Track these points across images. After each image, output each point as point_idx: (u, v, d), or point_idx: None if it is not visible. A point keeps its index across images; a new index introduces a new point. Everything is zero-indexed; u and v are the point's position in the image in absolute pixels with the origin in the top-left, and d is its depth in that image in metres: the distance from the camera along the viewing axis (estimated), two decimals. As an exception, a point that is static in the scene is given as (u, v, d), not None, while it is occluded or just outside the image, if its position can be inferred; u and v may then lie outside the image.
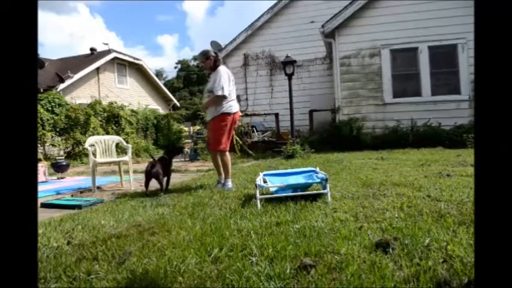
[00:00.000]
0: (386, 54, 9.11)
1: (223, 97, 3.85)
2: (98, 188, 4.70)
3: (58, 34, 77.45)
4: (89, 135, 10.32)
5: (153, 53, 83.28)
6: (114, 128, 12.49)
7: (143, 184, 4.10)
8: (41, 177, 5.80)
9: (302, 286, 1.40)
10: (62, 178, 6.35)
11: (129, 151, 4.85)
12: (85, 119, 11.05)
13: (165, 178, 4.07)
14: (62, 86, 13.35)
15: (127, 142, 7.83)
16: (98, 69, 15.75)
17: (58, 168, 6.62)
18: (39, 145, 10.00)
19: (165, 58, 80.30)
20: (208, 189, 3.90)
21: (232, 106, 3.98)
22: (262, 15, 12.89)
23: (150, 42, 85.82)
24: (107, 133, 11.75)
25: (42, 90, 12.15)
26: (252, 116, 11.66)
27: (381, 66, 9.12)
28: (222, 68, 3.98)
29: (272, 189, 3.25)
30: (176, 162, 7.00)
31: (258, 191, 2.87)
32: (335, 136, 8.93)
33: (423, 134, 8.34)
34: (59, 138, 10.60)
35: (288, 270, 1.51)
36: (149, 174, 3.91)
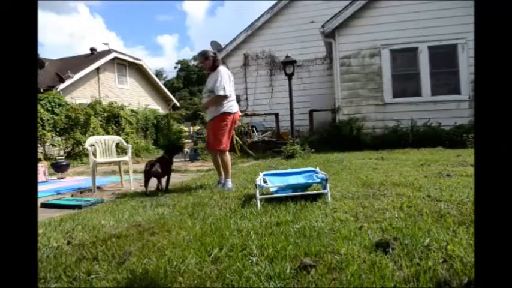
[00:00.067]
0: (386, 54, 9.11)
1: (225, 97, 3.87)
2: (98, 188, 4.70)
3: (58, 34, 77.48)
4: (89, 135, 10.32)
5: (153, 53, 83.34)
6: (114, 128, 12.49)
7: (143, 184, 4.10)
8: (41, 177, 5.80)
9: (302, 286, 1.40)
10: (62, 178, 6.35)
11: (129, 151, 4.85)
12: (85, 119, 11.05)
13: (165, 177, 4.08)
14: (62, 86, 13.35)
15: (127, 142, 7.84)
16: (98, 69, 15.75)
17: (58, 168, 6.62)
18: (39, 145, 10.00)
19: (165, 58, 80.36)
20: (208, 189, 3.90)
21: (233, 106, 4.01)
22: (262, 15, 12.89)
23: (150, 42, 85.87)
24: (107, 133, 11.75)
25: (42, 90, 12.15)
26: (252, 116, 11.66)
27: (381, 66, 9.12)
28: (222, 68, 4.00)
29: (272, 189, 3.25)
30: (176, 162, 6.99)
31: (258, 191, 2.87)
32: (335, 136, 8.93)
33: (423, 134, 8.34)
34: (59, 138, 10.60)
35: (288, 270, 1.51)
36: (149, 173, 3.92)
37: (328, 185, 2.93)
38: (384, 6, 9.11)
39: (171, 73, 47.64)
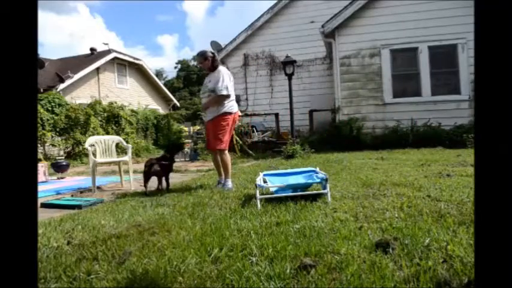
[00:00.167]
0: (386, 54, 9.11)
1: (227, 96, 3.91)
2: (98, 188, 4.70)
3: (58, 34, 77.48)
4: (89, 135, 10.32)
5: (153, 53, 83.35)
6: (114, 128, 12.49)
7: (143, 184, 4.10)
8: (41, 177, 5.80)
9: (302, 286, 1.40)
10: (62, 178, 6.35)
11: (129, 151, 4.85)
12: (85, 119, 11.05)
13: (164, 177, 4.09)
14: (62, 86, 13.35)
15: (127, 142, 7.84)
16: (98, 69, 15.75)
17: (58, 168, 6.62)
18: (39, 145, 10.00)
19: (165, 58, 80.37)
20: (208, 189, 3.90)
21: (233, 106, 4.05)
22: (262, 15, 12.89)
23: (150, 42, 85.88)
24: (107, 133, 11.75)
25: (42, 90, 12.15)
26: (252, 116, 11.66)
27: (381, 66, 9.12)
28: (222, 68, 4.02)
29: (272, 189, 3.25)
30: (176, 162, 7.00)
31: (258, 191, 2.87)
32: (335, 136, 8.93)
33: (423, 134, 8.34)
34: (59, 138, 10.60)
35: (288, 270, 1.51)
36: (148, 173, 3.93)
37: (328, 185, 2.93)
38: (384, 6, 9.11)
39: (171, 73, 47.70)
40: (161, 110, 18.51)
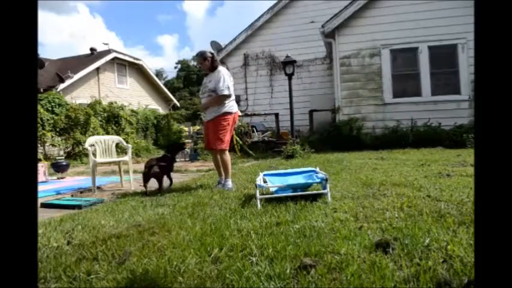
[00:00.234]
0: (386, 54, 9.11)
1: (228, 96, 3.93)
2: (98, 188, 4.70)
3: (58, 34, 77.47)
4: (89, 135, 10.33)
5: (153, 53, 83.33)
6: (114, 128, 12.50)
7: (143, 184, 4.10)
8: (41, 177, 5.80)
9: (302, 286, 1.40)
10: (62, 178, 6.35)
11: (129, 151, 4.85)
12: (85, 119, 11.05)
13: (165, 177, 4.10)
14: (62, 86, 13.34)
15: (127, 142, 7.84)
16: (98, 69, 15.75)
17: (58, 168, 6.62)
18: (39, 145, 10.00)
19: (165, 58, 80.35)
20: (208, 189, 3.90)
21: (233, 106, 4.07)
22: (262, 15, 12.89)
23: (150, 42, 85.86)
24: (107, 133, 11.76)
25: (42, 90, 12.15)
26: (252, 116, 11.66)
27: (381, 66, 9.12)
28: (222, 69, 4.03)
29: (272, 189, 3.25)
30: (176, 162, 7.01)
31: (258, 191, 2.87)
32: (335, 136, 8.93)
33: (423, 134, 8.34)
34: (59, 138, 10.60)
35: (288, 270, 1.51)
36: (147, 175, 3.95)
37: (328, 185, 2.93)
38: (384, 6, 9.11)
39: (171, 73, 47.72)
40: (161, 110, 18.51)
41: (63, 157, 9.50)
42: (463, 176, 3.79)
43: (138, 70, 18.66)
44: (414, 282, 1.36)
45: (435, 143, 7.93)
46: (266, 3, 37.68)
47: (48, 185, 5.37)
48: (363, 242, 1.79)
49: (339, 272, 1.48)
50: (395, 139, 8.42)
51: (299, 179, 3.43)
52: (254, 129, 10.65)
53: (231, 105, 4.01)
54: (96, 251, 1.92)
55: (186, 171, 6.47)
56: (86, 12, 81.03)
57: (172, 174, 4.33)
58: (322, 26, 9.33)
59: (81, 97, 14.30)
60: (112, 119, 12.59)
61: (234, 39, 13.13)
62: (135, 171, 5.48)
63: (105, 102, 13.15)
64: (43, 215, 3.07)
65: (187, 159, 9.14)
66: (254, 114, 11.69)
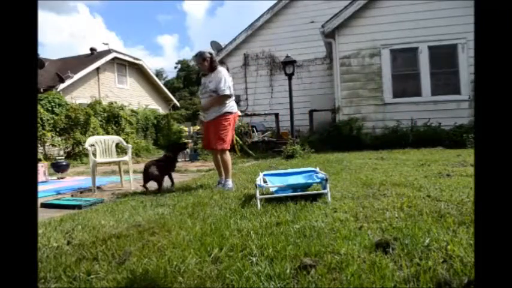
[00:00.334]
0: (386, 54, 9.11)
1: (229, 96, 3.96)
2: (98, 188, 4.70)
3: (58, 34, 77.42)
4: (89, 135, 10.33)
5: (153, 53, 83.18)
6: (114, 128, 12.50)
7: (143, 184, 4.11)
8: (41, 177, 5.80)
9: (302, 286, 1.40)
10: (62, 178, 6.35)
11: (129, 151, 4.85)
12: (85, 119, 11.06)
13: (166, 177, 4.11)
14: (62, 86, 13.35)
15: (127, 142, 7.84)
16: (98, 69, 15.75)
17: (58, 168, 6.62)
18: (39, 145, 10.00)
19: (165, 58, 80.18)
20: (208, 189, 3.90)
21: (233, 106, 4.09)
22: (262, 15, 12.89)
23: (150, 42, 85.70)
24: (107, 133, 11.76)
25: (42, 90, 12.15)
26: (252, 116, 11.66)
27: (381, 66, 9.12)
28: (222, 69, 4.03)
29: (272, 189, 3.25)
30: (178, 162, 7.01)
31: (258, 191, 2.87)
32: (335, 136, 8.93)
33: (423, 134, 8.34)
34: (59, 138, 10.60)
35: (288, 270, 1.51)
36: (147, 177, 3.98)
37: (328, 185, 2.93)
38: (384, 6, 9.11)
39: (171, 73, 47.68)
40: (161, 110, 18.51)
41: (63, 157, 9.51)
42: (463, 176, 3.79)
43: (138, 70, 18.66)
44: (414, 282, 1.36)
45: (435, 143, 7.93)
46: (266, 3, 37.71)
47: (48, 185, 5.37)
48: (363, 242, 1.79)
49: (339, 272, 1.48)
50: (395, 139, 8.42)
51: (299, 179, 3.43)
52: (254, 129, 10.65)
53: (231, 105, 4.03)
54: (96, 251, 1.92)
55: (186, 171, 6.47)
56: (86, 12, 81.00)
57: (173, 174, 4.33)
58: (322, 26, 9.33)
59: (81, 97, 14.30)
60: (112, 119, 12.59)
61: (234, 39, 13.13)
62: (135, 171, 5.48)
63: (105, 102, 13.16)
64: (43, 215, 3.07)
65: (187, 159, 9.14)
66: (254, 114, 11.69)
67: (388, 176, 4.09)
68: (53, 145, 10.37)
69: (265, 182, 3.40)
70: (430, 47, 8.87)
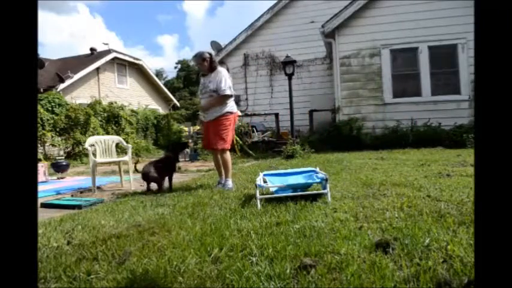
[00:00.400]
0: (386, 54, 9.11)
1: (230, 96, 3.98)
2: (98, 188, 4.70)
3: (58, 34, 77.42)
4: (89, 135, 10.33)
5: (153, 53, 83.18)
6: (114, 128, 12.50)
7: (143, 184, 4.12)
8: (41, 177, 5.80)
9: (302, 286, 1.40)
10: (62, 178, 6.35)
11: (129, 151, 4.85)
12: (85, 119, 11.06)
13: (167, 177, 4.13)
14: (62, 86, 13.35)
15: (127, 142, 7.84)
16: (98, 69, 15.75)
17: (58, 168, 6.62)
18: (39, 145, 9.99)
19: (165, 58, 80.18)
20: (208, 189, 3.90)
21: (234, 106, 4.11)
22: (262, 15, 12.89)
23: (150, 42, 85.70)
24: (107, 133, 11.76)
25: (42, 90, 12.15)
26: (252, 116, 11.66)
27: (381, 66, 9.12)
28: (222, 69, 4.04)
29: (272, 189, 3.25)
30: (179, 162, 7.01)
31: (258, 191, 2.87)
32: (335, 136, 8.93)
33: (423, 134, 8.34)
34: (59, 138, 10.60)
35: (288, 270, 1.51)
36: (147, 181, 3.99)
37: (328, 185, 2.93)
38: (384, 6, 9.11)
39: (171, 73, 47.65)
40: (161, 110, 18.51)
41: (63, 157, 9.52)
42: (463, 176, 3.79)
43: (138, 70, 18.66)
44: (414, 282, 1.36)
45: (435, 143, 7.93)
46: (266, 3, 37.71)
47: (48, 185, 5.37)
48: (363, 242, 1.79)
49: (339, 272, 1.48)
50: (395, 139, 8.42)
51: (299, 179, 3.43)
52: (254, 129, 10.65)
53: (232, 105, 4.06)
54: (96, 251, 1.92)
55: (186, 171, 6.47)
56: (86, 12, 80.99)
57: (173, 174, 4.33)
58: (322, 26, 9.33)
59: (81, 97, 14.30)
60: (112, 119, 12.59)
61: (234, 39, 13.13)
62: (135, 171, 5.48)
63: (105, 102, 13.16)
64: (43, 215, 3.07)
65: (187, 159, 9.14)
66: (254, 114, 11.69)
67: (388, 176, 4.09)
68: (53, 145, 10.37)
69: (265, 182, 3.40)
70: (430, 47, 8.87)
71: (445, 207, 2.43)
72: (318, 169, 3.56)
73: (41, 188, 4.95)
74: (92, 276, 1.59)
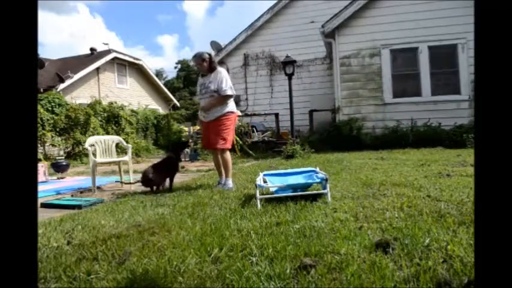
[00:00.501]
0: (386, 54, 9.11)
1: (231, 96, 4.01)
2: (98, 188, 4.70)
3: (58, 34, 77.41)
4: (89, 135, 10.33)
5: (153, 53, 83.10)
6: (114, 128, 12.50)
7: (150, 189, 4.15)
8: (41, 177, 5.80)
9: (302, 286, 1.40)
10: (62, 178, 6.35)
11: (129, 151, 4.85)
12: (85, 119, 11.05)
13: (169, 178, 4.16)
14: (62, 86, 13.35)
15: (127, 142, 7.84)
16: (98, 69, 15.75)
17: (58, 168, 6.62)
18: (39, 145, 9.99)
19: (165, 58, 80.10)
20: (208, 189, 3.90)
21: (234, 106, 4.14)
22: (262, 15, 12.89)
23: (150, 42, 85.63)
24: (107, 133, 11.76)
25: (42, 90, 12.15)
26: (252, 116, 11.66)
27: (381, 66, 9.12)
28: (222, 69, 4.04)
29: (272, 189, 3.25)
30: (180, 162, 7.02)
31: (258, 191, 2.87)
32: (335, 136, 8.93)
33: (423, 134, 8.34)
34: (59, 138, 10.60)
35: (288, 270, 1.51)
36: (148, 184, 4.01)
37: (328, 185, 2.93)
38: (384, 6, 9.11)
39: (171, 73, 47.62)
40: (161, 110, 18.51)
41: (63, 157, 9.53)
42: (463, 176, 3.79)
43: (138, 70, 18.66)
44: (414, 282, 1.36)
45: (435, 143, 7.93)
46: (266, 3, 37.72)
47: (48, 185, 5.37)
48: (363, 242, 1.79)
49: (339, 272, 1.48)
50: (395, 139, 8.42)
51: (299, 179, 3.43)
52: (254, 129, 10.65)
53: (232, 105, 4.09)
54: (96, 251, 1.92)
55: (186, 171, 6.47)
56: (86, 12, 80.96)
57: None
58: (322, 26, 9.33)
59: (81, 97, 14.30)
60: (112, 119, 12.59)
61: (234, 39, 13.13)
62: (135, 171, 5.48)
63: (105, 102, 13.16)
64: (43, 215, 3.07)
65: (187, 159, 9.14)
66: (254, 114, 11.69)
67: (388, 176, 4.09)
68: (53, 145, 10.37)
69: (265, 182, 3.40)
70: (430, 47, 8.87)
71: (445, 207, 2.43)
72: (318, 169, 3.56)
73: (41, 188, 4.95)
74: (92, 276, 1.60)
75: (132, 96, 17.53)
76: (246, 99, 12.96)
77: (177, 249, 1.85)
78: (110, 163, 5.70)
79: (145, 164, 8.15)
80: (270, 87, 12.84)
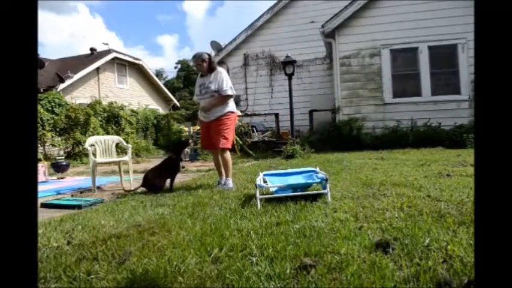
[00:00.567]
0: (386, 54, 9.11)
1: (232, 96, 4.03)
2: (98, 188, 4.70)
3: (58, 34, 77.42)
4: (89, 135, 10.33)
5: (153, 53, 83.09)
6: (114, 128, 12.50)
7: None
8: (41, 177, 5.80)
9: (302, 286, 1.40)
10: (62, 178, 6.35)
11: (129, 151, 4.85)
12: (85, 119, 11.06)
13: (169, 178, 4.17)
14: (62, 86, 13.35)
15: (127, 142, 7.83)
16: (98, 69, 15.75)
17: (58, 168, 6.62)
18: (39, 145, 10.00)
19: (165, 58, 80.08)
20: (208, 189, 3.90)
21: (234, 106, 4.15)
22: (262, 15, 12.89)
23: (150, 42, 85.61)
24: (107, 133, 11.76)
25: (42, 90, 12.15)
26: (252, 116, 11.66)
27: (381, 66, 9.12)
28: (222, 70, 4.05)
29: (272, 189, 3.25)
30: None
31: (258, 191, 2.87)
32: (335, 136, 8.93)
33: (423, 134, 8.34)
34: (59, 138, 10.60)
35: (288, 270, 1.51)
36: (148, 187, 4.01)
37: (328, 185, 2.92)
38: (384, 6, 9.11)
39: (171, 73, 47.61)
40: (161, 110, 18.52)
41: (63, 157, 9.52)
42: (463, 176, 3.79)
43: (138, 70, 18.66)
44: (414, 282, 1.36)
45: (435, 143, 7.93)
46: (266, 3, 37.73)
47: (48, 185, 5.37)
48: (363, 242, 1.79)
49: (339, 272, 1.48)
50: (395, 139, 8.42)
51: (299, 179, 3.43)
52: (254, 129, 10.65)
53: (232, 105, 4.10)
54: (96, 251, 1.92)
55: (186, 171, 6.47)
56: (86, 12, 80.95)
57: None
58: (322, 26, 9.33)
59: (81, 97, 14.30)
60: (112, 119, 12.59)
61: (234, 39, 13.13)
62: (135, 171, 5.49)
63: (105, 102, 13.16)
64: (43, 215, 3.07)
65: (187, 159, 9.14)
66: (254, 114, 11.70)
67: (388, 176, 4.09)
68: (53, 145, 10.37)
69: (265, 182, 3.40)
70: (430, 47, 8.87)
71: (445, 207, 2.43)
72: (318, 169, 3.56)
73: (41, 188, 4.95)
74: (92, 276, 1.60)
75: (132, 96, 17.53)
76: (246, 99, 12.96)
77: (177, 249, 1.85)
78: (110, 163, 5.70)
79: (145, 164, 8.15)
80: (270, 87, 12.85)
